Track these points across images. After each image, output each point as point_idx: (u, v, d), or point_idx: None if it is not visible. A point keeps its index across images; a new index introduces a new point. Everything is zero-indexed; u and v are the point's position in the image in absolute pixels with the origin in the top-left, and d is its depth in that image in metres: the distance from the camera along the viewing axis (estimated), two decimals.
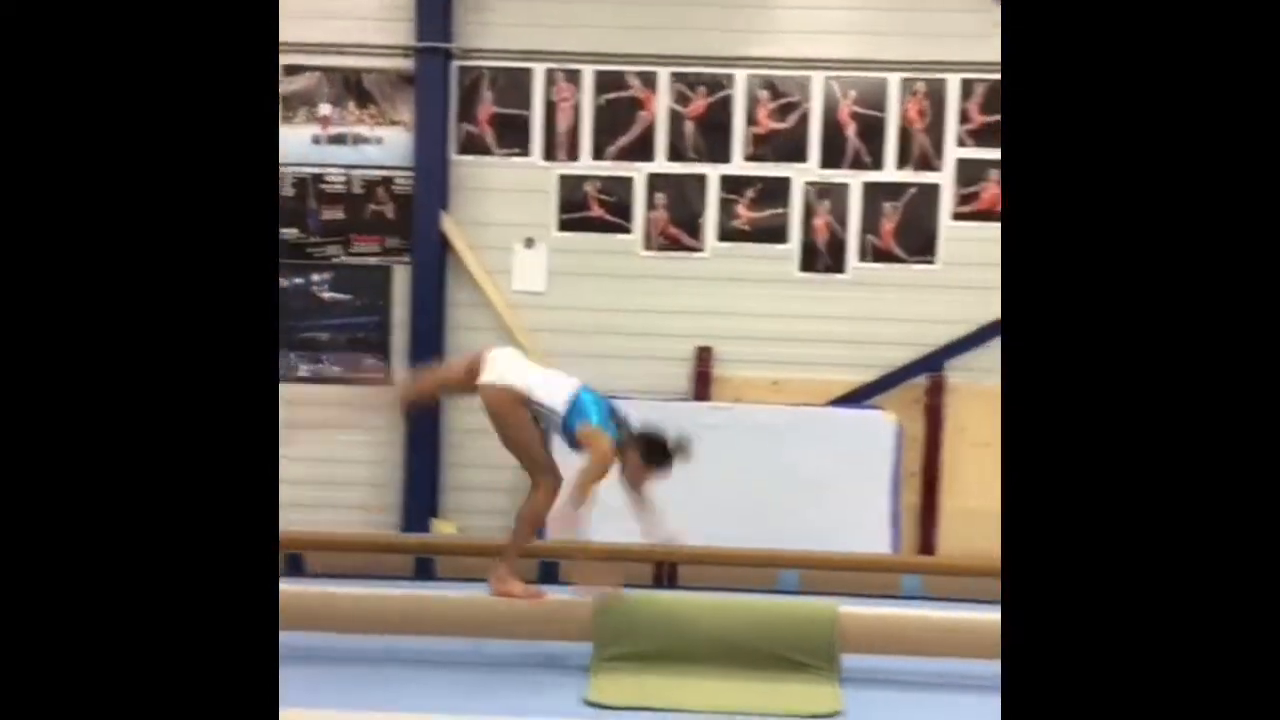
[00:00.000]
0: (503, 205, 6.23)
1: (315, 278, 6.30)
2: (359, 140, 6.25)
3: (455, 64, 6.15)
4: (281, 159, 5.79)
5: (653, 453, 4.37)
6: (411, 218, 6.20)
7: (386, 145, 6.23)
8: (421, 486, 6.23)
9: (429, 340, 6.14)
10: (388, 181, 6.25)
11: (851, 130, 6.13)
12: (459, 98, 6.18)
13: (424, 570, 5.80)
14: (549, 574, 5.54)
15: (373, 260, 6.29)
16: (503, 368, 4.36)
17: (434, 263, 6.19)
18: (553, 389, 4.32)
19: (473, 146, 6.20)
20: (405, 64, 6.17)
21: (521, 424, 4.34)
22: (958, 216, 6.13)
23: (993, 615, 4.53)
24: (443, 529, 6.10)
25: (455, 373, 4.71)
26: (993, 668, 4.21)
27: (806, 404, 6.03)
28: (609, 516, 5.88)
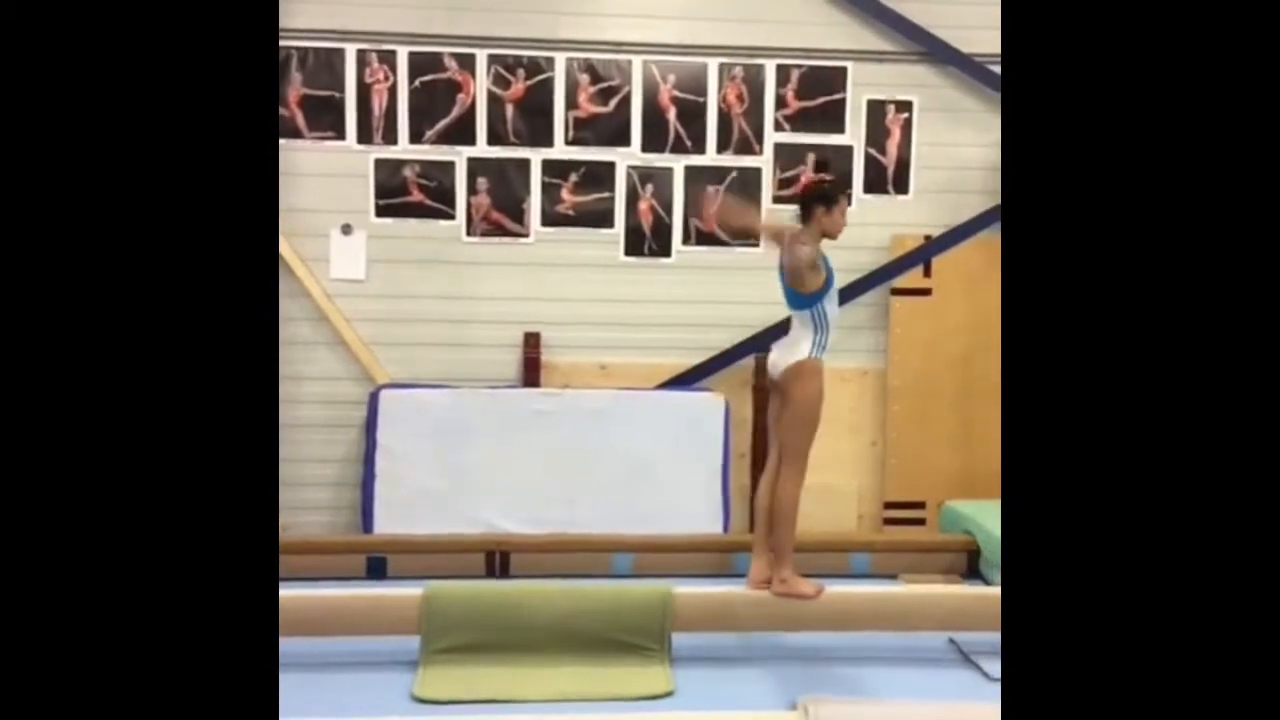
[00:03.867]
0: (317, 190, 5.99)
1: None
2: None
3: None
4: None
5: (816, 199, 4.43)
6: None
7: None
8: None
9: None
10: None
11: (672, 114, 6.15)
12: None
13: None
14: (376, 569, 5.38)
15: None
16: (777, 355, 4.47)
17: None
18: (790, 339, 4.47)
19: (282, 129, 5.93)
20: None
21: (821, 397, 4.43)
22: (777, 200, 6.22)
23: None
24: None
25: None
26: (822, 639, 4.33)
27: (635, 388, 6.04)
28: (434, 508, 5.78)
